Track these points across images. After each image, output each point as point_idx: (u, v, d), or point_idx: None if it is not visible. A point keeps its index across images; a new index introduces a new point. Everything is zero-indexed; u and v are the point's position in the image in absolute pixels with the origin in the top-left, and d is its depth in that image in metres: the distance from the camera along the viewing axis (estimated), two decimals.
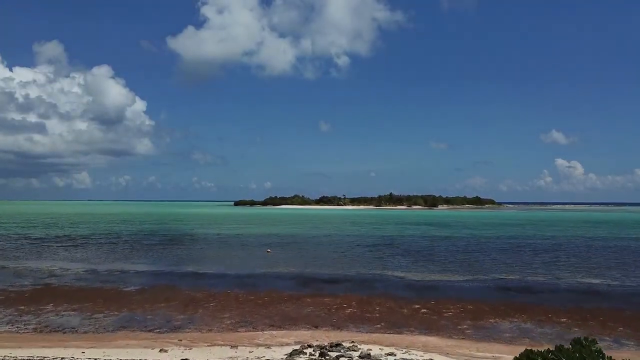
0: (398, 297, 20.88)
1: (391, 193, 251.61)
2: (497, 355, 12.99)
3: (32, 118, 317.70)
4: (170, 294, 21.27)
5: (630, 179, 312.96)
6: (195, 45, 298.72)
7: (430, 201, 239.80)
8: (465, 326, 16.25)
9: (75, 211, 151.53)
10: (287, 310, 18.38)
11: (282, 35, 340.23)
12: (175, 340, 14.29)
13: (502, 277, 26.50)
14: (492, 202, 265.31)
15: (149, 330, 15.65)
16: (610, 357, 7.17)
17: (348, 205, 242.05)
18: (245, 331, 15.60)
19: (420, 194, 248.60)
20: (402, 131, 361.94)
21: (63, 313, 17.88)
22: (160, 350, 12.96)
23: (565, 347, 7.40)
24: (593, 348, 7.14)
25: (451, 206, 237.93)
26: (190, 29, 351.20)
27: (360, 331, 15.66)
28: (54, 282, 24.39)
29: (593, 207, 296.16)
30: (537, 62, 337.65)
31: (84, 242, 46.50)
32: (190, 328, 15.92)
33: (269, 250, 39.61)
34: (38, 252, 37.93)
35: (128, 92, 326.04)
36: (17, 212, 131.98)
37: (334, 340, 13.78)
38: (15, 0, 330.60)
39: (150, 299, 20.21)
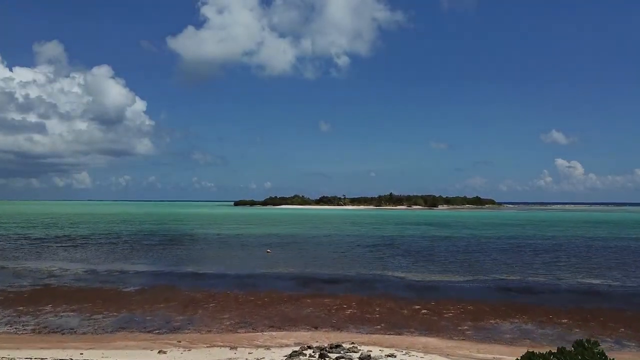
0: (398, 298, 20.81)
1: (391, 193, 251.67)
2: (497, 356, 12.92)
3: (32, 118, 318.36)
4: (169, 295, 21.21)
5: (630, 179, 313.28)
6: (195, 45, 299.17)
7: (430, 201, 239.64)
8: (465, 327, 16.18)
9: (75, 211, 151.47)
10: (286, 311, 18.31)
11: (282, 35, 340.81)
12: (175, 342, 14.22)
13: (502, 277, 26.44)
14: (492, 202, 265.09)
15: (148, 331, 15.58)
16: (613, 359, 7.11)
17: (348, 205, 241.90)
18: (245, 332, 15.53)
19: (420, 194, 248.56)
20: (402, 131, 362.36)
21: (62, 314, 17.81)
22: (159, 352, 12.89)
23: (567, 349, 7.34)
24: (595, 350, 7.07)
25: (451, 206, 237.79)
26: (190, 29, 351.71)
27: (360, 332, 15.60)
28: (53, 283, 24.33)
29: (593, 207, 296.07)
30: (537, 62, 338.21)
31: (83, 242, 46.44)
32: (189, 329, 15.85)
33: (268, 250, 39.54)
34: (37, 252, 37.87)
35: (128, 92, 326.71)
36: (17, 212, 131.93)
37: (334, 342, 13.71)
38: (15, 0, 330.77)
39: (149, 300, 20.15)
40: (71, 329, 15.88)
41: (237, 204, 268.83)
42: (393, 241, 49.26)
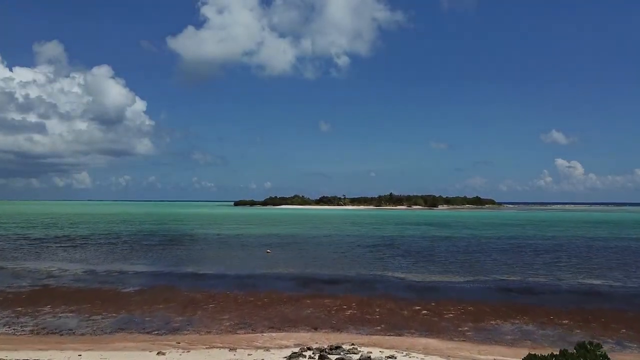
0: (398, 298, 20.73)
1: (391, 193, 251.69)
2: (498, 358, 12.83)
3: (32, 118, 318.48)
4: (169, 295, 21.13)
5: (630, 179, 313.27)
6: (195, 45, 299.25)
7: (430, 201, 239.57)
8: (466, 328, 16.10)
9: (75, 211, 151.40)
10: (286, 312, 18.23)
11: (282, 35, 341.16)
12: (174, 343, 14.15)
13: (503, 278, 26.35)
14: (492, 202, 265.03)
15: (147, 333, 15.50)
16: None
17: (348, 205, 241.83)
18: (244, 333, 15.44)
19: (420, 194, 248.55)
20: (402, 131, 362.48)
21: (61, 315, 17.73)
22: (158, 353, 12.81)
23: (570, 351, 7.26)
24: (598, 353, 7.00)
25: (451, 206, 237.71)
26: (190, 29, 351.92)
27: (360, 333, 15.51)
28: (52, 283, 24.24)
29: (593, 207, 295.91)
30: (537, 62, 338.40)
31: (83, 242, 46.36)
32: (188, 330, 15.77)
33: (268, 250, 39.46)
34: (37, 252, 37.79)
35: (128, 92, 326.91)
36: (17, 212, 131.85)
37: (334, 343, 13.64)
38: (15, 0, 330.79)
39: (149, 300, 20.06)
40: (70, 330, 15.80)
41: (237, 204, 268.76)
42: (393, 241, 49.18)
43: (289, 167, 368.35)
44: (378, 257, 35.40)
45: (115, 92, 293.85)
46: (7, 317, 17.32)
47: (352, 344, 13.54)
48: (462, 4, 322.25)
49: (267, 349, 13.44)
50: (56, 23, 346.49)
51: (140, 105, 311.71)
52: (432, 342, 14.49)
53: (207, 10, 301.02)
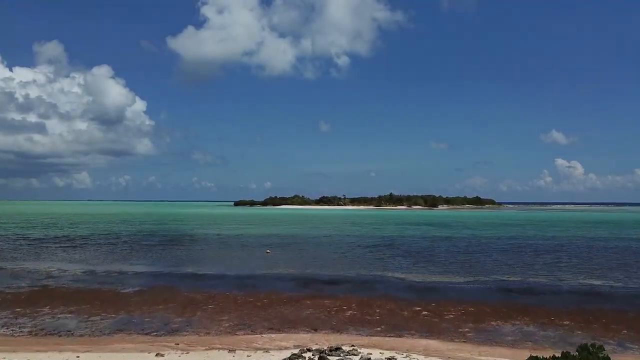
0: (398, 299, 20.66)
1: (391, 193, 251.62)
2: (499, 359, 12.77)
3: (32, 118, 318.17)
4: (168, 296, 21.05)
5: (630, 179, 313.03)
6: (195, 45, 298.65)
7: (430, 201, 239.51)
8: (466, 329, 16.02)
9: (75, 211, 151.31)
10: (286, 313, 18.15)
11: (282, 35, 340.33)
12: (172, 344, 14.07)
13: (503, 278, 26.28)
14: (492, 202, 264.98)
15: (146, 334, 15.42)
16: None
17: (348, 205, 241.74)
18: (244, 334, 15.37)
19: (420, 194, 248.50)
20: (402, 131, 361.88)
21: (59, 315, 17.65)
22: (156, 355, 12.73)
23: (572, 353, 7.19)
24: (600, 355, 6.93)
25: (451, 206, 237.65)
26: (190, 29, 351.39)
27: (360, 334, 15.44)
28: (51, 284, 24.16)
29: (593, 207, 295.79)
30: (537, 62, 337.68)
31: (82, 242, 46.29)
32: (187, 331, 15.69)
33: (268, 251, 39.39)
34: (36, 253, 37.71)
35: (128, 92, 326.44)
36: (17, 212, 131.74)
37: (334, 344, 13.58)
38: (15, 0, 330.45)
39: (148, 301, 19.99)
40: (68, 331, 15.72)
41: (237, 204, 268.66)
42: (393, 241, 49.11)
43: (289, 167, 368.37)
44: (378, 258, 35.33)
45: (115, 92, 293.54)
46: (5, 318, 17.24)
47: (352, 345, 13.47)
48: (462, 4, 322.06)
49: (266, 350, 13.37)
50: (56, 23, 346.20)
51: (140, 105, 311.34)
52: (433, 343, 14.42)
53: (207, 10, 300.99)
